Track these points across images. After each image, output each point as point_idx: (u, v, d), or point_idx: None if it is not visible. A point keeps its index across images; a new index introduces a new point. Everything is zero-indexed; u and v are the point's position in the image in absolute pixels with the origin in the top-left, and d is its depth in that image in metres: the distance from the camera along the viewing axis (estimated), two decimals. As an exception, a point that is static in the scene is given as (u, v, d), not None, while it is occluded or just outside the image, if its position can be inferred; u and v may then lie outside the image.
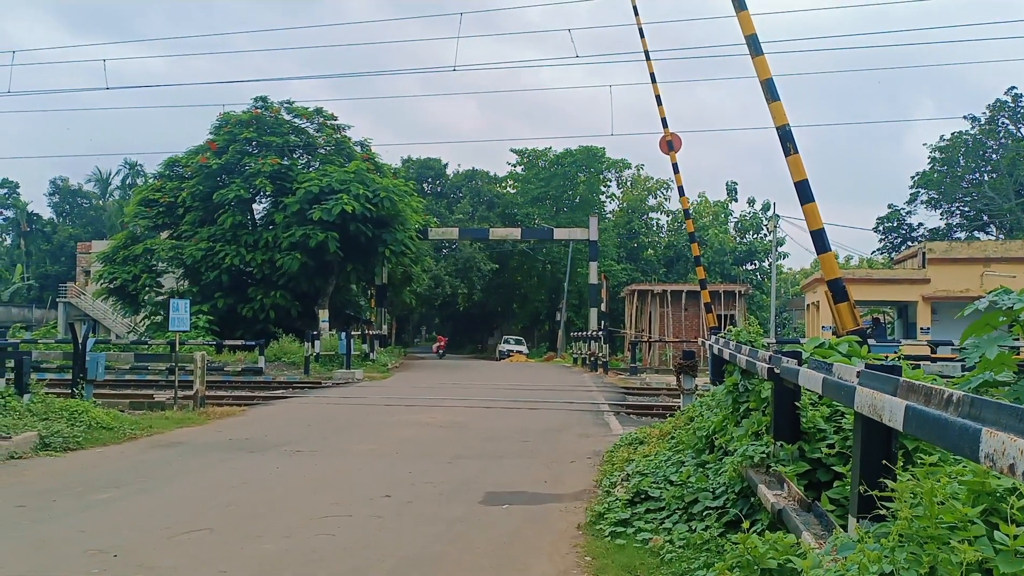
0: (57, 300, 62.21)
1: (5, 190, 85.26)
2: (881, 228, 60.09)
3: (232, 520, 6.49)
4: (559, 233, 48.44)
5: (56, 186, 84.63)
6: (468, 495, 7.55)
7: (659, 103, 25.68)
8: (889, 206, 59.93)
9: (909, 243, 55.51)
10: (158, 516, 6.62)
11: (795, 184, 13.40)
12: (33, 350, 16.99)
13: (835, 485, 4.58)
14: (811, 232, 13.27)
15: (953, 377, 6.82)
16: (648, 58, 24.77)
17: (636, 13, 24.03)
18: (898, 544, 2.79)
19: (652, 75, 25.15)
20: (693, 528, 5.60)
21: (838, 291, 12.78)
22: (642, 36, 24.22)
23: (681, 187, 32.19)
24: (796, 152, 13.39)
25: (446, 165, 66.25)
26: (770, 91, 13.94)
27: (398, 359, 37.30)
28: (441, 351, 51.11)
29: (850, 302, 12.88)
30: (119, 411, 12.73)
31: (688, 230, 30.53)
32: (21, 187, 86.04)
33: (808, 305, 42.45)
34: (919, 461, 4.15)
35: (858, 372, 3.60)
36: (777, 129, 13.66)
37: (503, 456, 10.02)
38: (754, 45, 14.17)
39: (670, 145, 27.81)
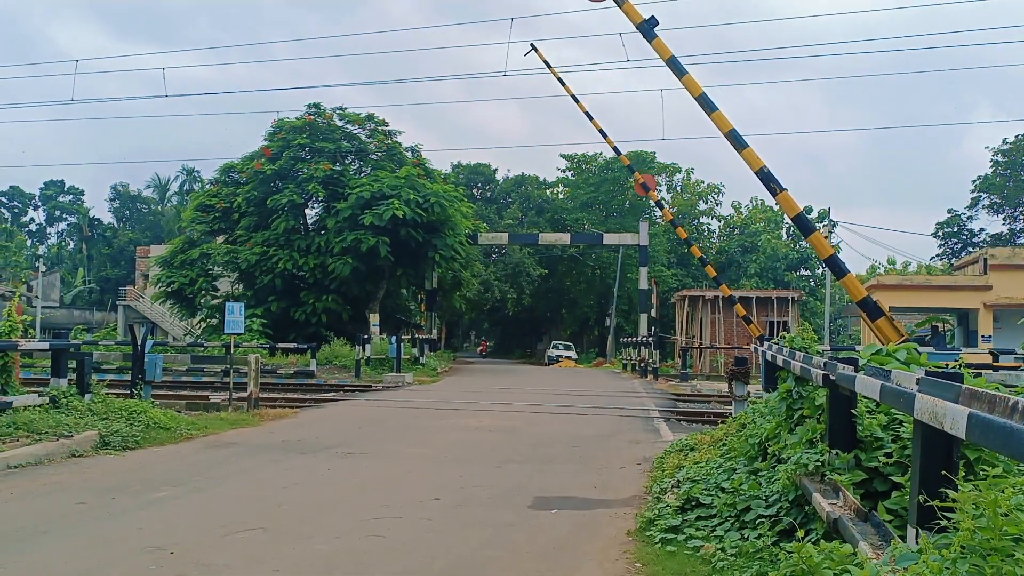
0: (117, 303, 63.86)
1: (71, 196, 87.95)
2: (941, 233, 58.66)
3: (285, 520, 6.58)
4: (609, 238, 48.25)
5: (117, 192, 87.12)
6: (517, 499, 7.55)
7: (617, 153, 26.46)
8: (949, 211, 58.53)
9: (970, 249, 54.11)
10: (213, 515, 6.74)
11: (792, 220, 13.36)
12: (94, 351, 17.46)
13: (893, 495, 4.48)
14: (824, 261, 13.12)
15: (1017, 386, 6.61)
16: (577, 102, 25.68)
17: (549, 67, 25.20)
18: (960, 556, 2.71)
19: (587, 113, 25.98)
20: (745, 536, 5.51)
21: (870, 309, 12.52)
22: (563, 83, 25.35)
23: (673, 220, 33.07)
24: (783, 190, 13.38)
25: (495, 170, 66.53)
26: (736, 141, 14.07)
27: (448, 363, 37.47)
28: (483, 352, 65.33)
29: (887, 316, 12.59)
30: (176, 411, 13.01)
31: (695, 255, 30.90)
32: (83, 193, 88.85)
33: (864, 312, 41.57)
34: (981, 472, 4.04)
35: (918, 379, 3.52)
36: (756, 173, 13.67)
37: (553, 461, 9.99)
38: (707, 103, 14.29)
39: (645, 187, 28.21)
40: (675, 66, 14.33)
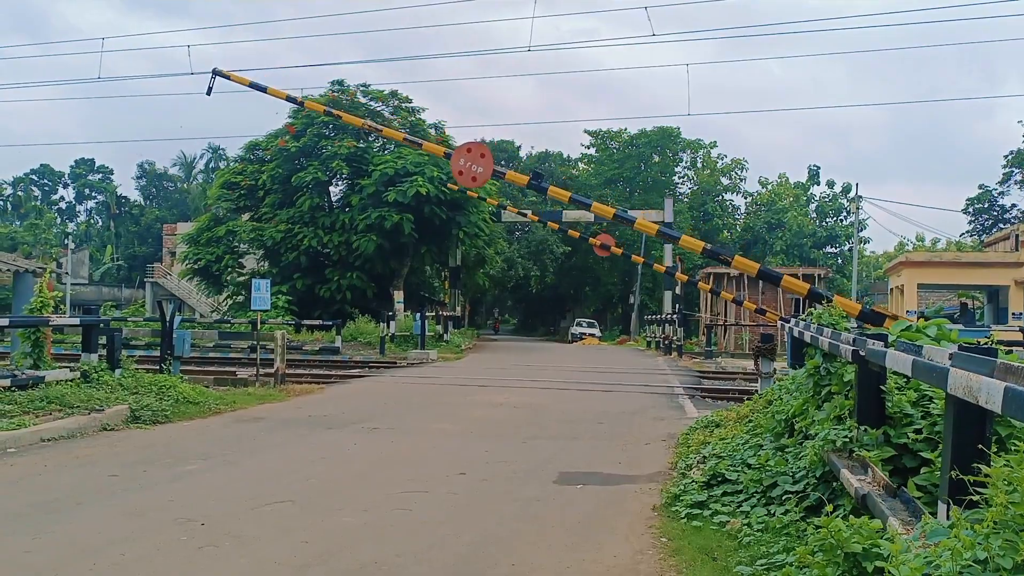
0: (145, 280, 64.62)
1: (100, 175, 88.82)
2: (971, 209, 57.82)
3: (313, 493, 6.65)
4: (633, 215, 47.85)
5: (143, 170, 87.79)
6: (543, 475, 7.58)
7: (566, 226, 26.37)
8: (980, 186, 57.73)
9: (1001, 225, 53.31)
10: (242, 488, 6.83)
11: (757, 276, 13.77)
12: (123, 327, 17.68)
13: (922, 471, 4.44)
14: (805, 298, 13.28)
15: (1050, 363, 6.52)
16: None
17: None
18: (993, 531, 2.69)
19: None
20: (772, 512, 5.49)
21: (871, 318, 12.59)
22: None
23: (668, 269, 33.80)
24: (734, 255, 13.92)
25: (519, 147, 66.33)
26: (669, 236, 14.27)
27: (471, 340, 37.60)
28: (496, 329, 69.83)
29: (891, 317, 12.62)
30: (204, 387, 13.15)
31: (680, 277, 31.43)
32: (112, 172, 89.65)
33: (891, 289, 41.17)
34: (1013, 448, 3.99)
35: (951, 354, 3.47)
36: (702, 253, 14.21)
37: (577, 437, 10.02)
38: (624, 218, 14.95)
39: (605, 247, 28.42)
40: (579, 202, 14.96)
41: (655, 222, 44.31)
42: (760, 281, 41.51)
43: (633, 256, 35.35)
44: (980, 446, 3.17)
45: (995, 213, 57.06)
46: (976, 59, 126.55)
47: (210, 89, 17.06)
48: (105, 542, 5.13)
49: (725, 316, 40.77)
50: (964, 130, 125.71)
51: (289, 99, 17.33)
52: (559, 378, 18.52)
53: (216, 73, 18.62)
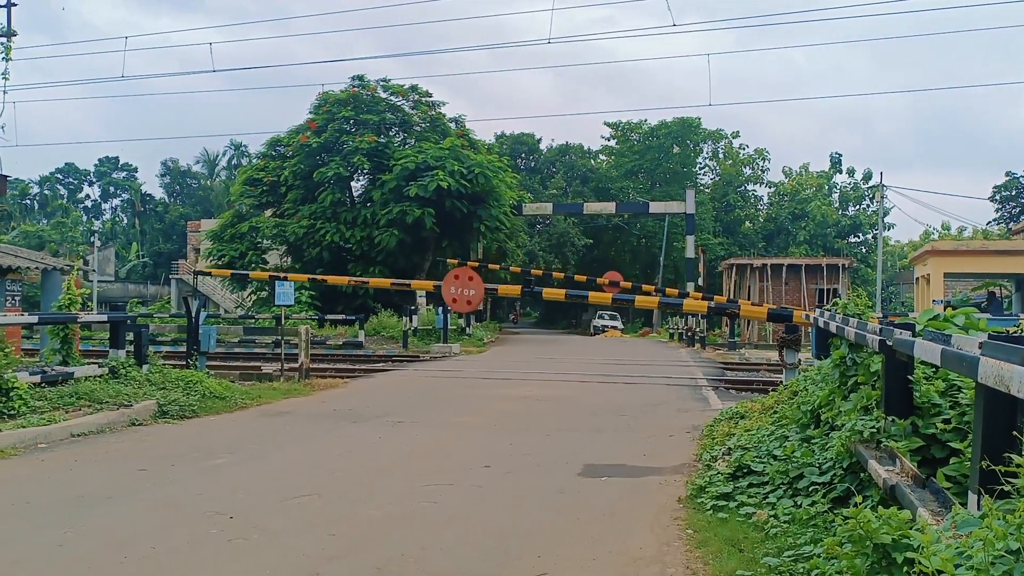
0: (170, 277, 65.15)
1: (124, 173, 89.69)
2: (998, 197, 57.02)
3: (339, 486, 6.70)
4: (655, 207, 47.74)
5: (167, 167, 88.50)
6: (567, 467, 7.58)
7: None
8: (1007, 173, 56.85)
9: (1029, 213, 52.52)
10: (269, 481, 6.89)
11: (767, 319, 14.76)
12: (149, 324, 17.86)
13: (951, 462, 4.40)
14: (814, 311, 13.57)
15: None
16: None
17: None
18: (1026, 521, 2.65)
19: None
20: (799, 503, 5.47)
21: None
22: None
23: (659, 288, 33.92)
24: (739, 305, 15.76)
25: (539, 140, 66.18)
26: (671, 305, 16.94)
27: (493, 334, 37.63)
28: (515, 320, 71.66)
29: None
30: (230, 382, 13.25)
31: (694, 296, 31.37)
32: (136, 169, 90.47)
33: (917, 278, 40.71)
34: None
35: (980, 343, 3.44)
36: (709, 312, 15.91)
37: (601, 429, 10.01)
38: (626, 297, 16.26)
39: (615, 284, 28.52)
40: (575, 296, 15.91)
41: (675, 213, 43.95)
42: (783, 273, 41.30)
43: (643, 286, 35.18)
44: (1014, 434, 3.14)
45: (1023, 200, 56.25)
46: (1002, 43, 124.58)
47: (195, 289, 18.72)
48: (136, 535, 5.20)
49: (748, 307, 40.53)
50: (990, 116, 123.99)
51: (272, 277, 20.85)
52: (582, 370, 18.50)
53: (198, 273, 21.72)
